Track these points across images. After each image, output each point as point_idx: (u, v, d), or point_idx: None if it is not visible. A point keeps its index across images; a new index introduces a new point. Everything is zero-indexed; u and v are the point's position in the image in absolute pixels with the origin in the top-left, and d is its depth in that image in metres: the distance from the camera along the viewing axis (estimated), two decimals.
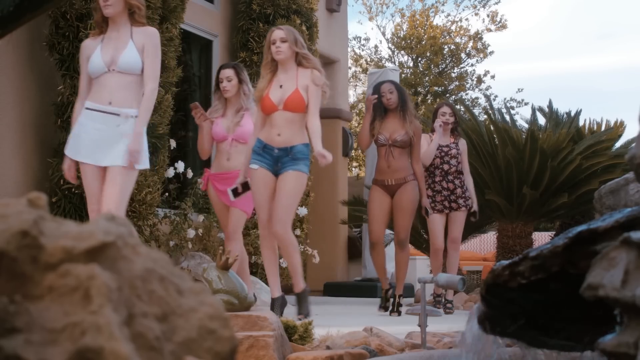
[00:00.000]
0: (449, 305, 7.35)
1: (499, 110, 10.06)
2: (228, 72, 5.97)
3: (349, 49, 16.96)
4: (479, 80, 21.02)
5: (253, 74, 7.21)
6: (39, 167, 6.36)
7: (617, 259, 1.51)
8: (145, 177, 6.36)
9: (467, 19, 21.62)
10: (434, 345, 3.70)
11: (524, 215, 8.90)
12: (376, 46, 23.30)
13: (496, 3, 21.45)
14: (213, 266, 3.77)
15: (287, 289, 5.64)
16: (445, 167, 7.34)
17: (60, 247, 0.99)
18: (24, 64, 6.40)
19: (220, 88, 6.00)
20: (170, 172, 6.97)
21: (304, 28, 8.56)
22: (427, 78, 20.65)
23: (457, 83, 20.88)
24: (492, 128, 8.91)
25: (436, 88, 20.65)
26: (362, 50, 21.85)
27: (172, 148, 7.16)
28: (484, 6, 21.44)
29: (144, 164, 4.70)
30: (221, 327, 1.08)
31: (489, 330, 2.01)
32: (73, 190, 6.04)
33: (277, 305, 5.39)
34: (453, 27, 21.18)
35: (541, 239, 11.41)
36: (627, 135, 11.17)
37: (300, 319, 4.31)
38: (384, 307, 6.92)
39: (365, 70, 21.02)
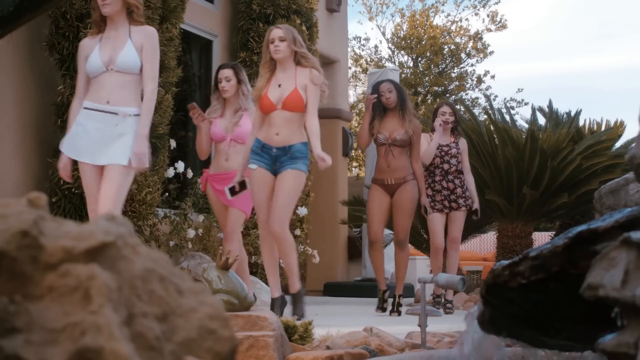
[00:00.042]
0: (449, 305, 7.35)
1: (499, 110, 10.07)
2: (227, 72, 5.96)
3: (349, 49, 16.96)
4: (479, 80, 21.02)
5: (253, 74, 7.20)
6: (39, 167, 6.36)
7: (617, 259, 1.51)
8: (145, 177, 6.36)
9: (467, 19, 21.64)
10: (434, 345, 3.70)
11: (524, 215, 8.90)
12: (376, 46, 23.33)
13: (496, 3, 21.47)
14: (213, 266, 3.77)
15: (287, 289, 5.63)
16: (446, 166, 7.34)
17: (60, 247, 0.99)
18: (24, 64, 6.40)
19: (219, 88, 5.99)
20: (170, 172, 6.97)
21: (304, 28, 8.56)
22: (427, 78, 20.65)
23: (457, 83, 20.88)
24: (492, 128, 8.91)
25: (436, 88, 20.65)
26: (362, 50, 21.88)
27: (172, 148, 7.16)
28: (484, 6, 21.45)
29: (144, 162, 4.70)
30: (221, 327, 1.08)
31: (489, 330, 2.01)
32: (73, 190, 6.04)
33: (277, 305, 5.39)
34: (453, 27, 21.18)
35: (541, 239, 11.41)
36: (627, 135, 11.18)
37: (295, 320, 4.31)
38: (381, 308, 6.90)
39: (365, 70, 21.02)
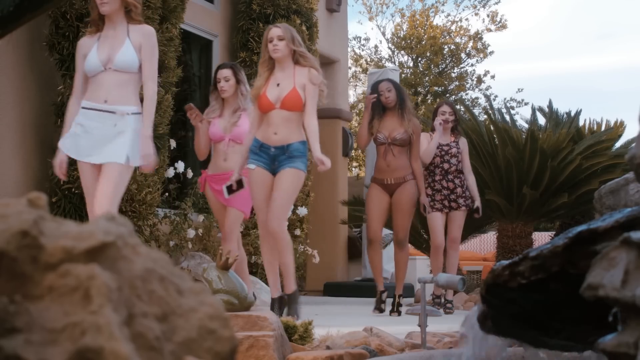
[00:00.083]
0: (449, 305, 7.35)
1: (499, 110, 10.07)
2: (226, 72, 5.96)
3: (349, 49, 16.96)
4: (479, 80, 21.02)
5: (253, 74, 7.20)
6: (39, 167, 6.36)
7: (617, 259, 1.51)
8: (145, 177, 6.36)
9: (467, 19, 21.64)
10: (434, 345, 3.70)
11: (524, 215, 8.90)
12: (376, 46, 23.34)
13: (496, 3, 21.47)
14: (213, 266, 3.77)
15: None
16: (446, 166, 7.33)
17: (60, 247, 0.99)
18: (24, 64, 6.40)
19: (217, 88, 5.99)
20: (170, 172, 6.96)
21: (304, 28, 8.56)
22: (427, 78, 20.65)
23: (457, 83, 20.88)
24: (492, 128, 8.91)
25: (436, 88, 20.65)
26: (362, 50, 21.87)
27: (172, 148, 7.16)
28: (484, 6, 21.45)
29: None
30: (221, 327, 1.08)
31: (489, 330, 2.01)
32: (73, 190, 6.04)
33: (277, 305, 5.39)
34: (453, 27, 21.18)
35: (541, 239, 11.41)
36: (627, 135, 11.18)
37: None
38: (378, 308, 6.88)
39: (365, 70, 21.02)
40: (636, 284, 1.45)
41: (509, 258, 1.94)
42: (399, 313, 6.76)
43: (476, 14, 21.69)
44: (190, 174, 7.27)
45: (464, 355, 2.10)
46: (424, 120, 9.75)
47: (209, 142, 6.01)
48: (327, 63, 10.64)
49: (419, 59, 20.90)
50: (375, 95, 6.90)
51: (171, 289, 1.07)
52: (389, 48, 21.51)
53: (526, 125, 9.72)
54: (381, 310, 6.85)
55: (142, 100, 4.77)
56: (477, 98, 21.13)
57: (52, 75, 6.43)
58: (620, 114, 23.49)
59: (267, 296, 6.48)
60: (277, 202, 5.22)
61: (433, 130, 7.40)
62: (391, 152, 6.81)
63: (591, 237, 1.72)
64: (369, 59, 21.70)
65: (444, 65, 20.81)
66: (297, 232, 8.35)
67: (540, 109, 9.95)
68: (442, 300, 7.39)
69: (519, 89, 26.25)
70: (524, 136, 8.64)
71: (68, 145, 4.74)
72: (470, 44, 20.93)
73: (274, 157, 5.28)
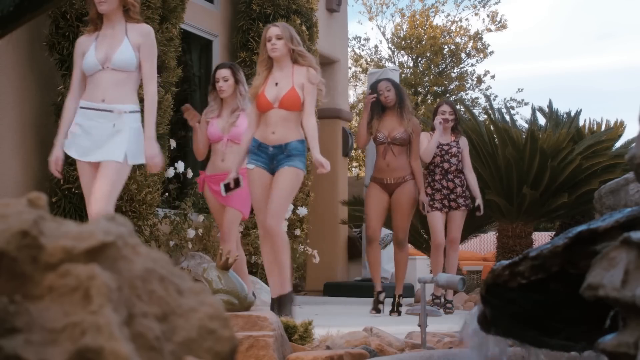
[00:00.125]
0: (449, 305, 7.35)
1: (499, 110, 10.07)
2: (224, 72, 5.95)
3: (349, 49, 16.96)
4: (479, 80, 21.02)
5: (253, 74, 7.17)
6: (39, 167, 6.36)
7: (617, 259, 1.51)
8: (145, 177, 6.36)
9: (467, 19, 21.63)
10: (434, 345, 3.70)
11: (524, 215, 8.90)
12: (376, 46, 23.32)
13: (496, 3, 21.46)
14: (213, 266, 3.77)
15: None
16: (446, 165, 7.33)
17: (60, 247, 0.99)
18: (24, 64, 6.40)
19: (216, 88, 5.98)
20: (170, 172, 6.96)
21: (304, 28, 8.56)
22: (427, 78, 20.65)
23: (457, 83, 20.88)
24: (492, 128, 8.92)
25: (436, 88, 20.65)
26: (362, 50, 21.87)
27: (172, 148, 7.15)
28: (484, 6, 21.45)
29: (140, 159, 4.71)
30: (221, 327, 1.08)
31: (489, 330, 2.01)
32: (73, 190, 6.04)
33: (277, 305, 5.38)
34: (453, 27, 21.18)
35: (541, 239, 11.41)
36: (627, 135, 11.17)
37: None
38: (375, 309, 6.87)
39: (365, 70, 21.02)
40: (636, 284, 1.45)
41: (509, 258, 1.94)
42: (399, 313, 6.76)
43: (476, 14, 21.69)
44: (190, 174, 7.27)
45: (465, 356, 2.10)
46: (424, 120, 9.75)
47: (208, 142, 6.00)
48: (327, 63, 10.64)
49: (419, 59, 20.90)
50: (375, 95, 6.90)
51: (171, 289, 1.07)
52: (389, 48, 21.52)
53: (526, 125, 9.72)
54: (378, 311, 6.83)
55: (141, 100, 4.77)
56: (477, 98, 21.14)
57: (52, 75, 6.43)
58: (620, 114, 23.51)
59: (267, 296, 6.48)
60: (275, 201, 5.21)
61: (433, 129, 7.40)
62: (391, 151, 6.81)
63: (591, 237, 1.72)
64: (369, 59, 21.71)
65: (444, 65, 20.81)
66: (297, 232, 8.35)
67: (540, 109, 9.95)
68: (442, 300, 7.39)
69: (519, 89, 26.25)
70: (524, 136, 8.64)
71: (67, 145, 4.74)
72: (470, 44, 20.93)
73: (272, 157, 5.27)
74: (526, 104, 21.10)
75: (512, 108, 20.47)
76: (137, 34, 4.68)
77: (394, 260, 7.04)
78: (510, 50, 35.93)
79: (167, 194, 7.10)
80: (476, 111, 18.19)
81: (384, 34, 21.63)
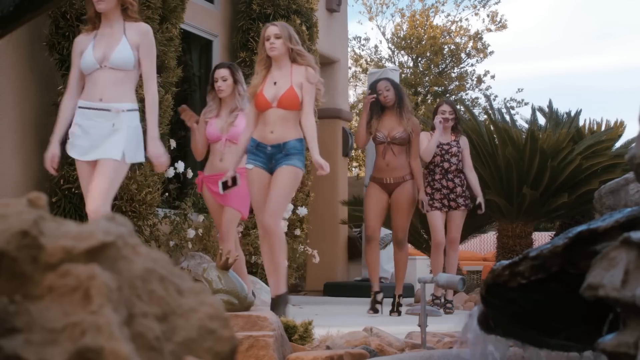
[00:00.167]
0: (449, 305, 7.35)
1: (499, 110, 10.07)
2: (223, 72, 5.95)
3: (349, 49, 16.96)
4: (479, 80, 21.02)
5: (253, 74, 7.21)
6: (39, 167, 6.35)
7: (617, 259, 1.51)
8: (145, 177, 6.36)
9: (467, 19, 21.63)
10: (434, 345, 3.70)
11: (524, 215, 8.90)
12: (376, 46, 23.33)
13: (496, 3, 21.47)
14: (213, 266, 3.77)
15: (288, 288, 5.62)
16: (446, 165, 7.33)
17: (60, 247, 0.99)
18: (24, 64, 6.40)
19: (214, 88, 5.98)
20: (170, 172, 6.96)
21: (304, 28, 8.56)
22: (427, 78, 20.66)
23: (457, 83, 20.88)
24: (492, 128, 8.92)
25: (436, 88, 20.65)
26: (362, 50, 21.87)
27: (172, 148, 7.15)
28: (484, 6, 21.45)
29: (139, 157, 4.71)
30: (221, 327, 1.08)
31: (489, 330, 2.01)
32: (73, 190, 6.04)
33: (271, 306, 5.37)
34: (453, 27, 21.18)
35: (541, 239, 11.41)
36: (627, 135, 11.18)
37: None
38: (373, 309, 6.86)
39: (365, 70, 21.02)
40: (636, 284, 1.45)
41: (509, 258, 1.94)
42: (399, 313, 6.76)
43: (476, 14, 21.70)
44: (190, 174, 7.27)
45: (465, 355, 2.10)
46: (423, 120, 9.75)
47: (206, 142, 6.00)
48: (327, 63, 10.64)
49: (419, 59, 20.90)
50: (374, 95, 6.90)
51: (171, 289, 1.07)
52: (389, 48, 21.52)
53: (526, 125, 9.72)
54: (376, 311, 6.82)
55: (142, 100, 4.77)
56: (477, 98, 21.14)
57: (52, 75, 6.43)
58: (620, 114, 23.51)
59: (267, 296, 6.48)
60: (274, 200, 5.20)
61: (433, 129, 7.40)
62: (391, 151, 6.81)
63: (591, 237, 1.72)
64: (369, 59, 21.71)
65: (444, 65, 20.81)
66: (297, 232, 8.34)
67: (540, 109, 9.95)
68: (442, 300, 7.39)
69: (519, 89, 26.27)
70: (524, 136, 8.64)
71: (69, 146, 4.75)
72: (470, 44, 20.94)
73: (270, 156, 5.27)
74: (526, 104, 21.13)
75: (512, 108, 20.48)
76: (135, 33, 4.68)
77: (394, 260, 7.04)
78: (510, 50, 35.96)
79: (167, 194, 7.10)
80: (476, 111, 18.19)
81: (384, 34, 21.64)
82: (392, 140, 6.81)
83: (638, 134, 1.81)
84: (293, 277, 8.69)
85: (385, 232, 8.83)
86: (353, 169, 19.84)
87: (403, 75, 19.78)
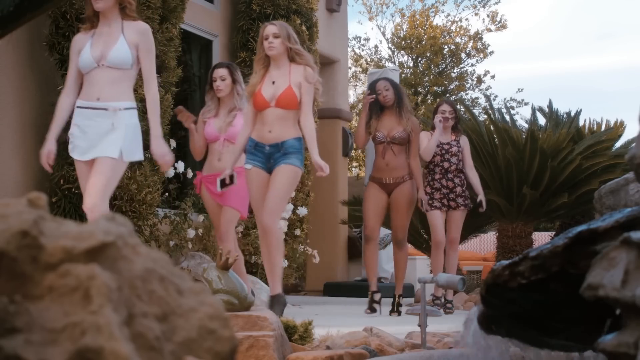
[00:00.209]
0: (449, 305, 7.34)
1: (499, 110, 10.07)
2: (222, 72, 5.94)
3: (349, 49, 16.96)
4: (479, 80, 21.02)
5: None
6: (39, 167, 6.34)
7: (617, 259, 1.51)
8: (145, 177, 6.36)
9: (467, 19, 21.63)
10: (434, 345, 3.70)
11: (524, 215, 8.90)
12: (376, 46, 23.32)
13: (496, 3, 21.46)
14: (213, 266, 3.77)
15: (288, 288, 5.62)
16: (446, 164, 7.33)
17: (60, 247, 0.99)
18: (24, 64, 6.40)
19: (213, 87, 5.98)
20: (170, 172, 6.96)
21: (304, 28, 8.56)
22: (427, 78, 20.65)
23: (457, 83, 20.88)
24: (492, 128, 8.92)
25: (436, 88, 20.65)
26: (362, 50, 21.87)
27: (172, 148, 7.15)
28: (484, 6, 21.45)
29: (138, 156, 4.71)
30: (221, 327, 1.08)
31: (489, 330, 2.01)
32: (73, 190, 6.04)
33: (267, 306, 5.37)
34: (453, 27, 21.18)
35: (541, 239, 11.41)
36: (627, 135, 11.18)
37: None
38: (370, 308, 6.85)
39: (365, 70, 21.02)
40: (636, 284, 1.45)
41: (509, 258, 1.94)
42: (399, 313, 6.76)
43: (476, 14, 21.69)
44: (190, 174, 7.27)
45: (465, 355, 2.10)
46: (423, 120, 9.75)
47: (205, 142, 6.00)
48: (327, 63, 10.64)
49: (419, 59, 20.90)
50: (374, 95, 6.90)
51: (171, 289, 1.07)
52: (389, 48, 21.52)
53: (526, 125, 9.72)
54: (373, 310, 6.81)
55: (142, 100, 4.77)
56: (477, 98, 21.14)
57: (52, 75, 6.43)
58: (620, 114, 23.50)
59: (267, 296, 6.48)
60: (272, 199, 5.19)
61: (433, 128, 7.40)
62: (390, 150, 6.81)
63: (591, 237, 1.72)
64: (369, 59, 21.71)
65: (444, 65, 20.81)
66: (297, 232, 8.34)
67: (540, 109, 9.95)
68: (442, 300, 7.39)
69: (519, 89, 26.26)
70: (524, 136, 8.64)
71: (70, 148, 4.75)
72: (470, 44, 20.94)
73: (269, 156, 5.26)
74: (526, 104, 21.12)
75: (512, 108, 20.47)
76: (133, 32, 4.67)
77: (394, 260, 7.03)
78: (510, 50, 35.94)
79: (167, 194, 7.10)
80: (476, 111, 18.19)
81: (384, 34, 21.64)
82: (391, 140, 6.81)
83: (638, 134, 1.81)
84: (293, 277, 8.68)
85: (385, 232, 8.83)
86: (353, 169, 19.84)
87: (403, 75, 19.78)
